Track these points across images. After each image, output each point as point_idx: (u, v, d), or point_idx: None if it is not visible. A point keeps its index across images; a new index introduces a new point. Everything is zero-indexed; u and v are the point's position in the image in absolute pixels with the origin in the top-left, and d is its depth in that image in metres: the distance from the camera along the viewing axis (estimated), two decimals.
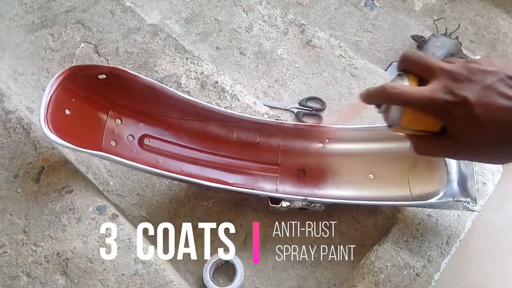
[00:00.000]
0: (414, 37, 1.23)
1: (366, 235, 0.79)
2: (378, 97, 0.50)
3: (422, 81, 0.49)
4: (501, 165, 0.81)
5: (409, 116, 0.49)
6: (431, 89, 0.46)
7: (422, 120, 0.49)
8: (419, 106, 0.47)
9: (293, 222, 0.80)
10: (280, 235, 0.80)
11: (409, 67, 0.50)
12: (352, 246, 0.78)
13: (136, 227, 0.79)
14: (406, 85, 0.49)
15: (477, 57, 1.21)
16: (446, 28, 1.28)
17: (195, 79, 0.94)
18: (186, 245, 0.80)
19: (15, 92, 0.97)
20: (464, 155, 0.49)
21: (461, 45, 1.20)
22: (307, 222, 0.80)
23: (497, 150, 0.46)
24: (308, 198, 0.74)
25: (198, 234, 0.80)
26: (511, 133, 0.43)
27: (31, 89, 0.99)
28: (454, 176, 0.73)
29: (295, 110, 0.98)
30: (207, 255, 0.77)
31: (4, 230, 0.70)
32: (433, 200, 0.71)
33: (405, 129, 0.51)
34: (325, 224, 0.80)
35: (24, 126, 0.79)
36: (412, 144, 0.52)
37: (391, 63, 1.20)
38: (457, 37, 1.24)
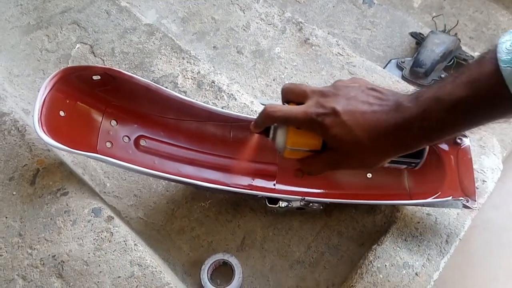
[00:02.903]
0: (412, 34, 1.22)
1: (365, 234, 0.78)
2: (262, 120, 0.57)
3: None
4: (500, 163, 0.80)
5: (293, 136, 0.55)
6: (305, 106, 0.54)
7: (304, 139, 0.55)
8: (297, 121, 0.54)
9: (292, 222, 0.80)
10: (278, 235, 0.79)
11: (288, 97, 0.58)
12: (350, 245, 0.78)
13: (132, 228, 0.78)
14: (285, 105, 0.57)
15: (476, 53, 1.20)
16: (445, 25, 1.27)
17: (191, 78, 0.93)
18: (184, 246, 0.79)
19: (11, 94, 0.97)
20: (344, 162, 0.55)
21: (460, 41, 1.19)
22: (305, 222, 0.80)
23: (369, 151, 0.52)
24: (306, 198, 0.73)
25: (196, 235, 0.80)
26: (375, 132, 0.50)
27: (27, 90, 0.98)
28: (453, 174, 0.73)
29: None
30: (204, 256, 0.76)
31: (0, 233, 0.70)
32: (432, 198, 0.71)
33: (292, 151, 0.57)
34: (324, 224, 0.80)
35: (19, 128, 0.79)
36: (301, 166, 0.59)
37: (390, 60, 1.19)
38: (456, 33, 1.23)
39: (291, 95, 0.58)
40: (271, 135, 0.58)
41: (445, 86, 0.47)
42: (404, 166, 0.60)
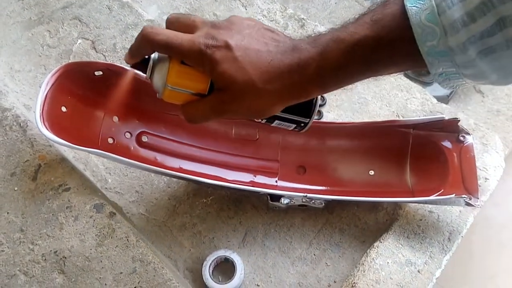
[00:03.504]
0: None
1: (367, 231, 0.78)
2: (138, 44, 0.49)
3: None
4: (502, 161, 0.80)
5: (175, 73, 0.48)
6: (194, 35, 0.47)
7: (189, 77, 0.48)
8: (182, 51, 0.47)
9: (293, 219, 0.80)
10: (280, 232, 0.79)
11: (174, 28, 0.50)
12: (352, 242, 0.78)
13: (134, 225, 0.78)
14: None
15: None
16: None
17: None
18: (185, 242, 0.79)
19: (12, 89, 0.96)
20: (232, 107, 0.49)
21: None
22: (307, 219, 0.80)
23: (261, 93, 0.47)
24: (308, 194, 0.73)
25: (197, 231, 0.80)
26: (269, 72, 0.46)
27: (28, 86, 0.98)
28: (456, 171, 0.73)
29: None
30: (206, 252, 0.76)
31: (1, 228, 0.70)
32: (434, 196, 0.71)
33: (173, 91, 0.49)
34: (325, 221, 0.80)
35: (20, 124, 0.79)
36: (182, 112, 0.52)
37: None
38: None
39: (177, 25, 0.50)
40: (148, 71, 0.50)
41: (347, 27, 0.45)
42: (293, 126, 0.56)
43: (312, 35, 0.47)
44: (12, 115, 0.80)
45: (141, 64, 0.51)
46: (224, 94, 0.48)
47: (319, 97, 0.54)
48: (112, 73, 0.74)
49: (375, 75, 0.46)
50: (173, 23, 0.50)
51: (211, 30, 0.47)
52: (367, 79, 0.47)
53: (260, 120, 0.54)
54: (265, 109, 0.50)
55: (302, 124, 0.56)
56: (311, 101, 0.54)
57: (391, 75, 0.47)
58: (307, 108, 0.54)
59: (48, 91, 0.70)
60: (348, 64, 0.45)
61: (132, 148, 0.78)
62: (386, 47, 0.42)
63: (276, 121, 0.54)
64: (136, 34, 0.99)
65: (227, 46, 0.46)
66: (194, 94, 0.49)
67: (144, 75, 0.51)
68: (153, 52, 0.50)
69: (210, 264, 0.74)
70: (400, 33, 0.41)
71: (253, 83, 0.46)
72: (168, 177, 0.84)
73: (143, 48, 0.49)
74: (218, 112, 0.50)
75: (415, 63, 0.43)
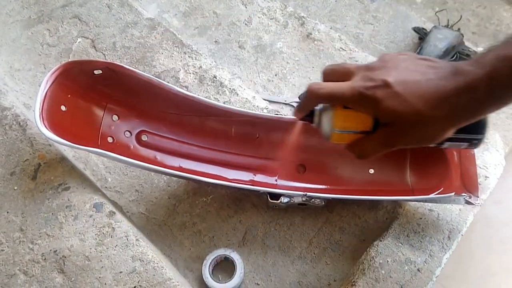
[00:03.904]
0: (415, 29, 1.21)
1: (367, 230, 0.78)
2: (307, 100, 0.53)
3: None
4: (503, 159, 0.80)
5: (340, 117, 0.51)
6: (352, 81, 0.49)
7: (354, 119, 0.51)
8: (345, 98, 0.49)
9: (293, 218, 0.80)
10: (279, 231, 0.79)
11: (330, 79, 0.53)
12: (352, 241, 0.78)
13: (134, 224, 0.78)
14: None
15: (479, 48, 1.20)
16: (448, 20, 1.26)
17: (193, 73, 0.93)
18: (185, 241, 0.79)
19: (12, 88, 0.96)
20: (402, 138, 0.50)
21: (463, 36, 1.18)
22: (307, 218, 0.79)
23: (430, 121, 0.47)
24: (308, 193, 0.73)
25: (197, 231, 0.80)
26: (434, 99, 0.46)
27: (28, 85, 0.98)
28: (456, 170, 0.72)
29: (295, 104, 0.97)
30: (206, 251, 0.76)
31: (1, 228, 0.70)
32: (434, 194, 0.71)
33: (341, 134, 0.52)
34: (325, 220, 0.79)
35: (20, 123, 0.79)
36: (351, 150, 0.54)
37: None
38: (459, 28, 1.22)
39: (334, 75, 0.53)
40: (316, 120, 0.54)
41: (510, 44, 0.44)
42: (466, 144, 0.55)
43: (472, 58, 0.46)
44: (12, 114, 0.80)
45: (308, 115, 0.55)
46: (391, 128, 0.49)
47: None
48: (111, 72, 0.74)
49: None
50: (329, 74, 0.53)
51: (367, 73, 0.49)
52: None
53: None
54: (436, 135, 0.49)
55: (475, 141, 0.54)
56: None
57: None
58: (479, 125, 0.53)
59: (47, 90, 0.70)
60: None
61: (132, 147, 0.78)
62: None
63: (447, 143, 0.53)
64: (135, 32, 1.00)
65: (386, 84, 0.47)
66: (360, 133, 0.52)
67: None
68: (319, 104, 0.53)
69: (210, 263, 0.74)
70: None
71: (420, 113, 0.46)
72: (168, 176, 0.83)
73: (312, 102, 0.53)
74: (388, 145, 0.51)
75: None
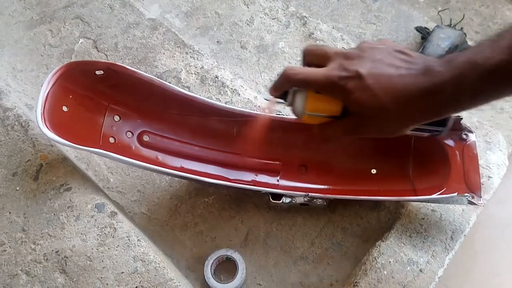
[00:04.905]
0: (418, 29, 1.20)
1: (369, 230, 0.78)
2: (281, 82, 0.55)
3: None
4: (506, 159, 0.80)
5: (312, 101, 0.54)
6: (327, 69, 0.51)
7: (324, 104, 0.53)
8: (318, 85, 0.52)
9: (295, 218, 0.80)
10: (281, 231, 0.79)
11: (309, 59, 0.55)
12: (354, 241, 0.77)
13: (136, 224, 0.78)
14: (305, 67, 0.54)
15: None
16: (451, 19, 1.26)
17: (195, 74, 0.93)
18: (187, 241, 0.79)
19: (14, 89, 0.97)
20: (365, 128, 0.53)
21: (466, 36, 1.17)
22: (309, 218, 0.79)
23: (393, 117, 0.50)
24: (310, 193, 0.73)
25: (199, 231, 0.80)
26: (401, 97, 0.48)
27: (30, 85, 0.98)
28: (459, 170, 0.72)
29: None
30: (208, 252, 0.76)
31: (3, 228, 0.70)
32: (437, 194, 0.70)
33: (311, 116, 0.55)
34: (327, 220, 0.79)
35: (22, 124, 0.79)
36: (319, 132, 0.57)
37: None
38: (461, 28, 1.22)
39: (312, 57, 0.55)
40: (289, 100, 0.56)
41: (483, 51, 0.44)
42: (427, 134, 0.58)
43: (446, 57, 0.47)
44: (14, 115, 0.80)
45: (282, 94, 0.57)
46: (357, 118, 0.52)
47: None
48: (113, 72, 0.74)
49: (511, 95, 0.46)
50: (308, 55, 0.55)
51: (343, 61, 0.51)
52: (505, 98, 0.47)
53: None
54: (397, 129, 0.52)
55: (437, 132, 0.57)
56: None
57: None
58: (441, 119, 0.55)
59: (49, 90, 0.70)
60: (484, 89, 0.45)
61: (134, 147, 0.78)
62: None
63: (410, 132, 0.55)
64: (137, 33, 1.00)
65: (359, 76, 0.49)
66: (329, 117, 0.54)
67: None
68: (293, 87, 0.55)
69: (212, 263, 0.74)
70: None
71: (385, 108, 0.48)
72: (169, 177, 0.83)
73: (286, 85, 0.55)
74: (350, 133, 0.54)
75: None
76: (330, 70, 0.51)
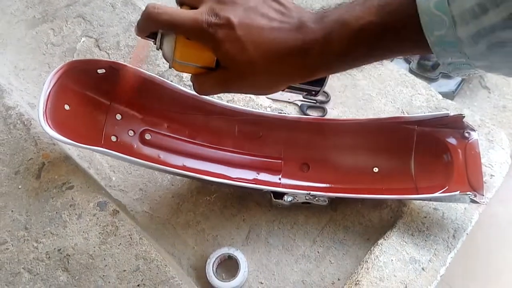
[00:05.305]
0: None
1: (371, 229, 0.78)
2: (143, 23, 0.48)
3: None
4: (508, 157, 0.80)
5: (182, 47, 0.47)
6: (197, 11, 0.46)
7: (195, 52, 0.48)
8: (185, 29, 0.46)
9: (297, 217, 0.80)
10: (283, 230, 0.79)
11: None
12: (356, 240, 0.77)
13: (138, 222, 0.78)
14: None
15: None
16: None
17: None
18: (189, 240, 0.79)
19: (16, 88, 0.97)
20: (236, 84, 0.48)
21: None
22: (311, 216, 0.79)
23: (263, 74, 0.46)
24: (312, 192, 0.73)
25: (201, 229, 0.80)
26: (270, 54, 0.44)
27: (32, 84, 0.98)
28: (461, 168, 0.72)
29: (299, 103, 0.96)
30: (210, 250, 0.76)
31: (6, 226, 0.70)
32: (439, 193, 0.70)
33: (182, 65, 0.49)
34: (329, 218, 0.79)
35: (24, 122, 0.79)
36: (193, 83, 0.51)
37: None
38: None
39: None
40: (157, 44, 0.49)
41: (354, 8, 0.42)
42: (304, 94, 0.54)
43: (321, 10, 0.45)
44: (16, 113, 0.80)
45: (151, 34, 0.50)
46: (227, 72, 0.47)
47: None
48: (115, 71, 0.74)
49: (381, 60, 0.45)
50: None
51: (215, 6, 0.45)
52: (375, 62, 0.45)
53: None
54: (268, 88, 0.49)
55: (313, 92, 0.53)
56: None
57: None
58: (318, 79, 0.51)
59: (51, 89, 0.70)
60: (352, 50, 0.43)
61: (135, 146, 0.78)
62: (392, 34, 0.41)
63: (285, 89, 0.52)
64: None
65: (230, 24, 0.44)
66: (202, 67, 0.49)
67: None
68: (159, 29, 0.49)
69: (214, 261, 0.74)
70: (406, 21, 0.39)
71: (254, 64, 0.45)
72: (171, 175, 0.84)
73: (149, 26, 0.49)
74: (223, 87, 0.50)
75: (422, 51, 0.41)
76: (199, 14, 0.45)
